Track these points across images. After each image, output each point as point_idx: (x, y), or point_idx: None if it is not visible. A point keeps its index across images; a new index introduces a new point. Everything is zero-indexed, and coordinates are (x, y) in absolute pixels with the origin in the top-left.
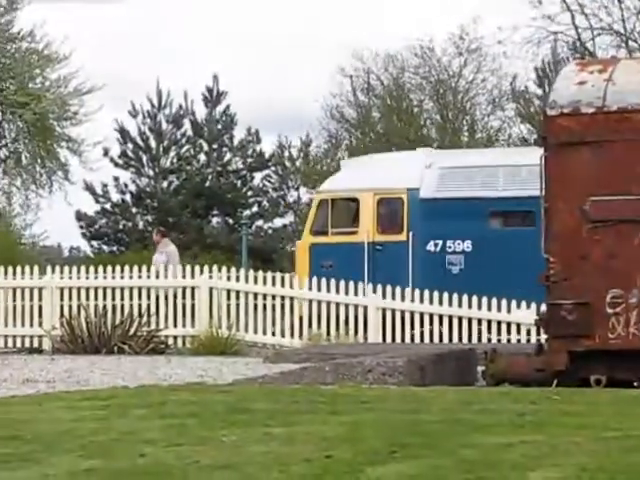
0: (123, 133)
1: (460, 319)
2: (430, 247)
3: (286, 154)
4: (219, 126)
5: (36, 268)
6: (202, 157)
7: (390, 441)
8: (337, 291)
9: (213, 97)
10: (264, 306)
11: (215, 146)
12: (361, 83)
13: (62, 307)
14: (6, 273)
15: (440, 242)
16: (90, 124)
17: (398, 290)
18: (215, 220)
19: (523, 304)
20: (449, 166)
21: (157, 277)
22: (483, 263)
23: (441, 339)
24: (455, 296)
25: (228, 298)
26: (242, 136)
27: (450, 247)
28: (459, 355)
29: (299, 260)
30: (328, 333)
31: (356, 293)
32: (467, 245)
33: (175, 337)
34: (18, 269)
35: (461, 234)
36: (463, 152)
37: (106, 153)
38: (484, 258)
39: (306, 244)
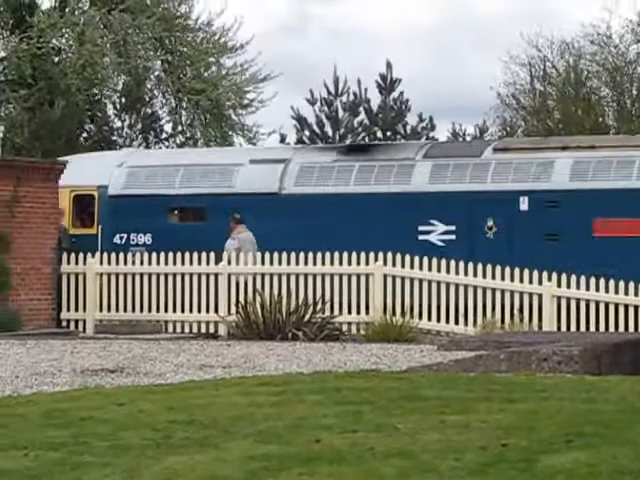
0: (300, 120)
1: (637, 308)
2: (116, 240)
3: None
4: (392, 113)
5: (212, 254)
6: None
7: (566, 430)
8: (512, 279)
9: (387, 84)
10: (438, 293)
11: (389, 133)
12: (536, 70)
13: (237, 293)
14: (183, 260)
15: (125, 235)
16: (267, 111)
17: (574, 278)
18: None
19: None
20: (136, 165)
21: (332, 264)
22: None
23: (617, 327)
24: (632, 284)
25: (402, 285)
26: (415, 123)
27: (133, 240)
28: (636, 344)
29: None
30: (502, 321)
31: (531, 281)
32: (148, 238)
33: (349, 324)
34: (195, 255)
35: (143, 228)
36: (156, 152)
37: (283, 140)
38: (163, 251)
39: None
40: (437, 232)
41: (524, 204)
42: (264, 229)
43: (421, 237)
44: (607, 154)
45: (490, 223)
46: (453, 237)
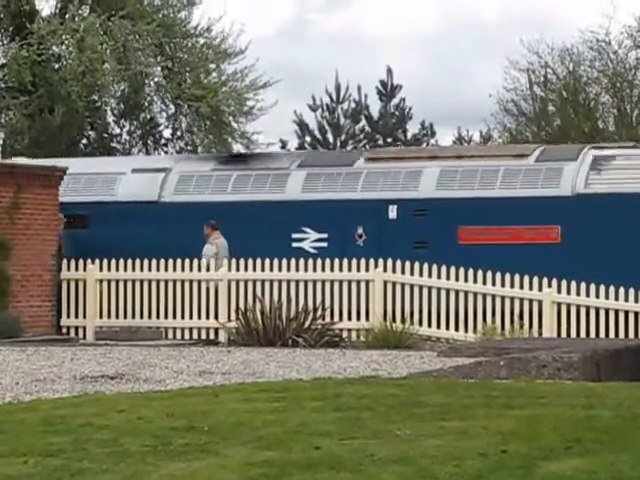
0: (301, 126)
1: (637, 314)
2: None
3: None
4: (393, 120)
5: (212, 261)
6: None
7: (566, 436)
8: (512, 285)
9: (387, 91)
10: (438, 300)
11: (390, 140)
12: (537, 76)
13: (237, 300)
14: (183, 266)
15: None
16: (267, 117)
17: (573, 284)
18: None
19: None
20: None
21: (332, 270)
22: None
23: (617, 334)
24: (632, 291)
25: (402, 291)
26: (416, 130)
27: None
28: (636, 350)
29: None
30: (502, 327)
31: (531, 287)
32: None
33: (349, 330)
34: (195, 262)
35: None
36: (44, 161)
37: (284, 146)
38: None
39: None
40: (310, 240)
41: (393, 212)
42: (144, 237)
43: (295, 244)
44: (472, 163)
45: (360, 231)
46: (325, 245)
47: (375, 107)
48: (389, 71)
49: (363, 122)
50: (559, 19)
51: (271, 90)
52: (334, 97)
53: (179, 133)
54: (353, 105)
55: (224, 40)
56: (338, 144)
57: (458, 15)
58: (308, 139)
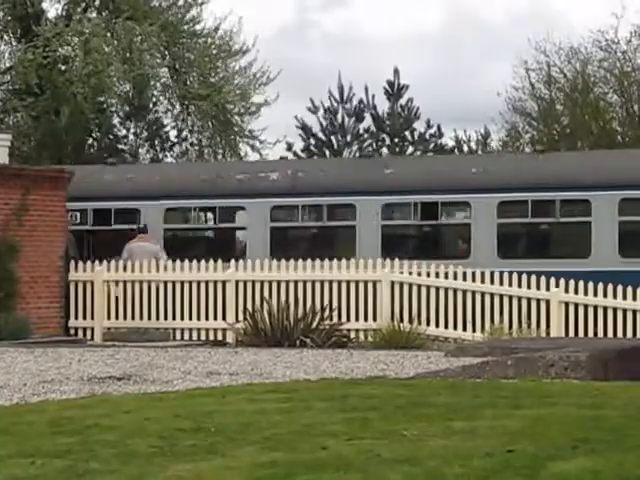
0: (305, 128)
1: None
2: None
3: (465, 148)
4: (401, 120)
5: (219, 262)
6: (384, 151)
7: (572, 436)
8: (519, 285)
9: (394, 91)
10: (445, 300)
11: (397, 140)
12: (543, 76)
13: (245, 301)
14: (191, 267)
15: None
16: (270, 119)
17: (581, 284)
18: None
19: None
20: None
21: (339, 271)
22: None
23: (625, 333)
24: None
25: (410, 291)
26: (422, 130)
27: None
28: None
29: None
30: (510, 327)
31: (538, 287)
32: None
33: (357, 330)
34: (202, 263)
35: None
36: None
37: (289, 148)
38: None
39: None
40: None
41: None
42: None
43: None
44: None
45: None
46: None
47: (382, 107)
48: (396, 71)
49: (368, 122)
50: (566, 18)
51: (273, 86)
52: (337, 97)
53: (185, 134)
54: (355, 104)
55: (230, 39)
56: (343, 145)
57: (461, 13)
58: (313, 141)
